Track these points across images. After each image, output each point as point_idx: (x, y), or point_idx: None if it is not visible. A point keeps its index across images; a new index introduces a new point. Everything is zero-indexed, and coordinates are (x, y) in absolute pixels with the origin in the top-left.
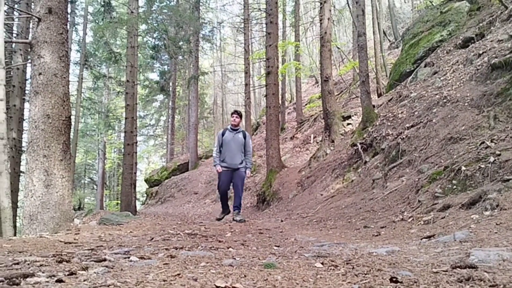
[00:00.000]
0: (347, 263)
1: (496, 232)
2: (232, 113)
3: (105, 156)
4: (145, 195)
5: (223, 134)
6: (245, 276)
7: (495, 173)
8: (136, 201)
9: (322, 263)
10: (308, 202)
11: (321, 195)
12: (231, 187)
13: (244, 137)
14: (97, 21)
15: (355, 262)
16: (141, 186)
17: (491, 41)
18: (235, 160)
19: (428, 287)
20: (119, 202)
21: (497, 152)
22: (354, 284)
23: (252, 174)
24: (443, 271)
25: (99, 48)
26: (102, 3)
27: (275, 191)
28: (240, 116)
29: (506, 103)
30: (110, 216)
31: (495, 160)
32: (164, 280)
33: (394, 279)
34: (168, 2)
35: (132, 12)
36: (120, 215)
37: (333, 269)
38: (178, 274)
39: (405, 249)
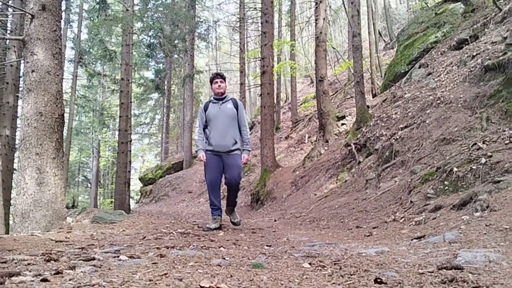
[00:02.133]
0: (335, 264)
1: (485, 233)
2: (212, 78)
3: (99, 154)
4: (139, 193)
5: (205, 109)
6: (231, 276)
7: (486, 174)
8: (130, 199)
9: (310, 264)
10: (301, 201)
11: (315, 195)
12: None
13: (236, 107)
14: (92, 19)
15: (343, 262)
16: (135, 185)
17: (485, 43)
18: (224, 141)
19: None
20: (113, 200)
21: (489, 154)
22: (339, 285)
23: (246, 174)
24: (429, 272)
25: (94, 45)
26: (97, 1)
27: (269, 191)
28: (224, 80)
29: (499, 104)
30: (104, 214)
31: (486, 161)
32: (150, 280)
33: (378, 280)
34: (163, 0)
35: (127, 9)
36: (113, 214)
37: (320, 270)
38: (165, 274)
39: (395, 250)
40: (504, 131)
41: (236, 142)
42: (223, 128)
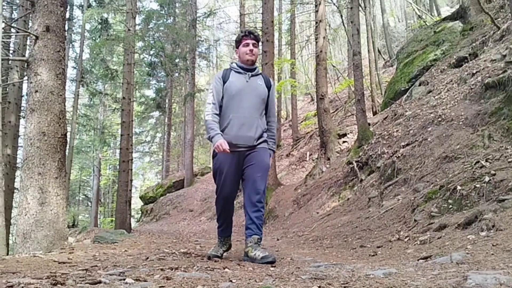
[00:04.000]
0: (344, 287)
1: (492, 254)
2: (242, 37)
3: (100, 173)
4: (140, 212)
5: (224, 78)
6: None
7: (490, 192)
8: (131, 218)
9: (319, 286)
10: (304, 220)
11: (317, 213)
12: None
13: (268, 87)
14: (94, 38)
15: (352, 285)
16: (136, 203)
17: (485, 60)
18: (249, 130)
19: None
20: (113, 219)
21: (492, 172)
22: None
23: None
24: None
25: (95, 65)
26: (100, 21)
27: (271, 209)
28: (258, 43)
29: (500, 122)
30: (105, 234)
31: (490, 179)
32: None
33: None
34: (165, 20)
35: (129, 29)
36: (114, 233)
37: None
38: None
39: (402, 271)
40: (507, 149)
41: (262, 135)
42: (250, 112)
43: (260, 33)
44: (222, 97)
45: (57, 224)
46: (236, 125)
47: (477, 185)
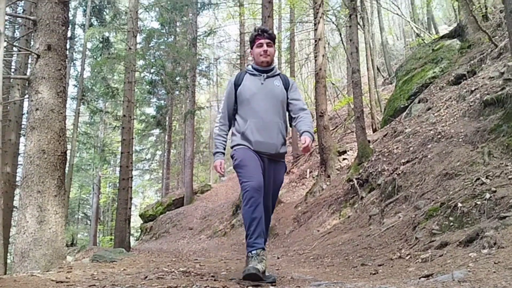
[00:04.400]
0: None
1: (494, 272)
2: (256, 36)
3: (100, 191)
4: (140, 230)
5: (237, 83)
6: None
7: (491, 210)
8: (130, 236)
9: None
10: (304, 238)
11: (318, 231)
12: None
13: (286, 87)
14: (95, 57)
15: None
16: (136, 221)
17: (483, 78)
18: (271, 137)
19: None
20: (112, 237)
21: (493, 189)
22: None
23: None
24: None
25: (96, 83)
26: (101, 40)
27: (271, 227)
28: (274, 42)
29: (500, 139)
30: (103, 252)
31: (491, 196)
32: None
33: None
34: (165, 39)
35: (130, 48)
36: (113, 252)
37: None
38: None
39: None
40: (507, 165)
41: (284, 142)
42: (269, 116)
43: None
44: (236, 102)
45: (55, 243)
46: (256, 131)
47: (478, 202)
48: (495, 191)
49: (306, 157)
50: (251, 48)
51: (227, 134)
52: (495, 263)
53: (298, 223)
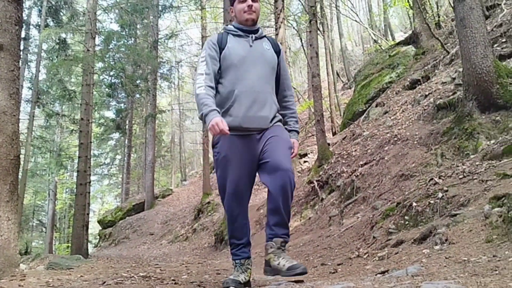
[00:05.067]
0: None
1: (445, 266)
2: None
3: (56, 197)
4: (98, 237)
5: (220, 44)
6: None
7: (443, 208)
8: (88, 243)
9: None
10: None
11: None
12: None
13: (277, 52)
14: (51, 58)
15: None
16: (94, 228)
17: (436, 83)
18: (262, 109)
19: None
20: (69, 245)
21: (445, 188)
22: None
23: (210, 213)
24: None
25: (52, 85)
26: (57, 41)
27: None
28: None
29: (452, 141)
30: (60, 260)
31: (443, 196)
32: None
33: None
34: (125, 41)
35: (88, 50)
36: (70, 259)
37: None
38: None
39: (360, 285)
40: (458, 166)
41: (276, 115)
42: (261, 85)
43: None
44: (220, 68)
45: (7, 250)
46: (245, 103)
47: (431, 201)
48: (447, 190)
49: None
50: (231, 4)
51: (214, 97)
52: (446, 258)
53: (260, 226)
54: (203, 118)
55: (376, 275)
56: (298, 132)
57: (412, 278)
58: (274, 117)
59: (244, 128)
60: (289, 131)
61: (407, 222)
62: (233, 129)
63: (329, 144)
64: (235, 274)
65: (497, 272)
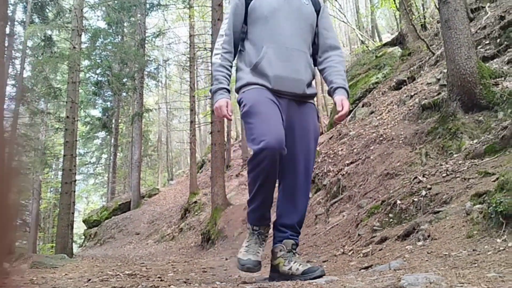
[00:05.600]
0: None
1: (427, 260)
2: None
3: (40, 196)
4: (83, 236)
5: None
6: None
7: (426, 205)
8: (73, 243)
9: None
10: None
11: None
12: None
13: (317, 9)
14: (36, 56)
15: None
16: (79, 228)
17: (421, 83)
18: (297, 71)
19: None
20: (54, 245)
21: (428, 186)
22: None
23: (196, 213)
24: None
25: (37, 83)
26: (43, 38)
27: (220, 230)
28: None
29: (436, 140)
30: (44, 259)
31: (426, 193)
32: None
33: None
34: (112, 39)
35: (74, 47)
36: (54, 258)
37: None
38: None
39: (343, 279)
40: (441, 165)
41: (313, 79)
42: (294, 42)
43: (209, 54)
44: (246, 22)
45: None
46: (275, 61)
47: (415, 199)
48: (430, 188)
49: None
50: None
51: (231, 66)
52: (428, 253)
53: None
54: (212, 93)
55: (360, 270)
56: (347, 91)
57: (394, 272)
58: (310, 83)
59: (275, 91)
60: (335, 89)
61: (391, 220)
62: (263, 86)
63: None
64: (253, 249)
65: (476, 265)
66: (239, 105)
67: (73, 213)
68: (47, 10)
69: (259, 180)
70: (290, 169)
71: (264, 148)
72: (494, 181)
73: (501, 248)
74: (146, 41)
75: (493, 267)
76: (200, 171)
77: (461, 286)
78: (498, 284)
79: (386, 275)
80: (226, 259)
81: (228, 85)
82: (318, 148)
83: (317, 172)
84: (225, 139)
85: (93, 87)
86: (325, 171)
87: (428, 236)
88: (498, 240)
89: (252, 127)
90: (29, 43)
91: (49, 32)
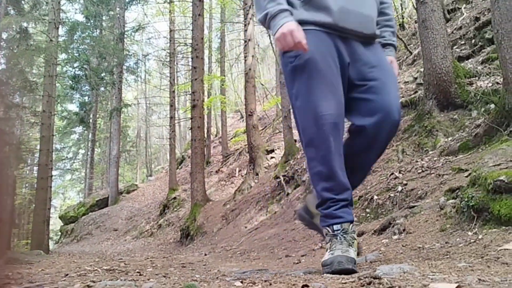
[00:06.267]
0: (265, 281)
1: (402, 253)
2: None
3: (15, 192)
4: (60, 233)
5: None
6: None
7: (402, 201)
8: (49, 240)
9: (241, 282)
10: (232, 235)
11: (245, 227)
12: None
13: None
14: (11, 48)
15: (273, 281)
16: (55, 224)
17: (399, 82)
18: (363, 6)
19: None
20: (29, 241)
21: (404, 182)
22: None
23: (175, 209)
24: (350, 281)
25: (12, 76)
26: (18, 30)
27: (200, 225)
28: None
29: (412, 138)
30: (19, 255)
31: (402, 189)
32: None
33: (305, 286)
34: (90, 32)
35: (51, 40)
36: (30, 254)
37: (251, 286)
38: None
39: (321, 270)
40: (417, 161)
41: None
42: None
43: (190, 49)
44: None
45: None
46: None
47: (391, 195)
48: (406, 184)
49: (235, 156)
50: None
51: None
52: (403, 246)
53: (227, 220)
54: (267, 20)
55: None
56: (395, 48)
57: (370, 264)
58: (378, 23)
59: (340, 28)
60: (384, 45)
61: (368, 215)
62: (322, 25)
63: (295, 140)
64: (342, 248)
65: (448, 256)
66: (283, 54)
67: (49, 209)
68: (23, 2)
69: (323, 144)
70: (387, 118)
71: (317, 119)
72: (466, 176)
73: (471, 241)
74: (125, 36)
75: (463, 258)
76: (179, 167)
77: (433, 275)
78: (467, 273)
79: (362, 267)
80: (205, 255)
81: (288, 4)
82: (298, 145)
83: (296, 169)
84: (205, 135)
85: (70, 81)
86: (304, 167)
87: (404, 230)
88: (470, 233)
89: (303, 96)
90: (4, 35)
91: (25, 24)
